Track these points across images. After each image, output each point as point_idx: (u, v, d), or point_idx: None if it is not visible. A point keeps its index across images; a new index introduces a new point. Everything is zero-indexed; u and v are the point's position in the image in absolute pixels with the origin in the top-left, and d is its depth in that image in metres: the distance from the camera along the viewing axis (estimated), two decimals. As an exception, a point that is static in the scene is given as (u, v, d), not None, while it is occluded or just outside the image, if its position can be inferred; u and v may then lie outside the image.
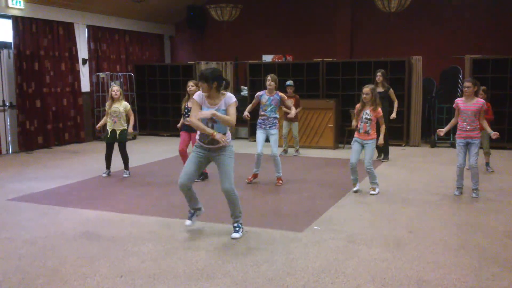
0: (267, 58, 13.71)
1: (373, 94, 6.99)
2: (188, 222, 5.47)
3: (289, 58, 13.72)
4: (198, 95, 5.17)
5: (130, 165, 8.69)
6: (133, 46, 14.85)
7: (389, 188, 7.40)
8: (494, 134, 6.80)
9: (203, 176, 7.97)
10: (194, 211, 5.51)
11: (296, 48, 14.53)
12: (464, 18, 13.13)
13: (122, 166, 8.58)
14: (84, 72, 13.09)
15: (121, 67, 14.26)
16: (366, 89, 7.02)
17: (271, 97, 7.67)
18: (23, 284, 4.13)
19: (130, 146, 8.61)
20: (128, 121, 8.49)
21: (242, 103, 13.30)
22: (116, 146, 8.47)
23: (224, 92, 5.18)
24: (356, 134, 7.15)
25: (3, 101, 11.12)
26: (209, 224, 5.69)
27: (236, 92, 14.09)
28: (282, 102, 7.90)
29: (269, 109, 7.66)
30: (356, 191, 7.17)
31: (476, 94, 6.87)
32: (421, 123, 11.87)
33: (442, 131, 7.05)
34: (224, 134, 5.11)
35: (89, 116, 13.34)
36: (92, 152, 11.28)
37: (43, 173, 8.84)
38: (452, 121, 7.10)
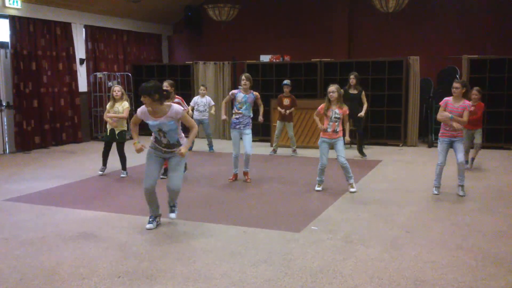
0: (265, 58, 13.70)
1: (339, 93, 7.11)
2: (149, 225, 5.58)
3: (287, 58, 13.71)
4: (140, 111, 5.38)
5: (128, 165, 8.69)
6: (130, 46, 14.83)
7: (387, 188, 7.40)
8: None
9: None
10: (155, 217, 5.68)
11: (294, 48, 14.52)
12: (461, 18, 13.15)
13: (119, 166, 8.57)
14: (82, 72, 13.06)
15: (118, 67, 14.24)
16: (332, 87, 7.12)
17: (247, 95, 7.77)
18: (20, 285, 4.12)
19: (127, 145, 8.60)
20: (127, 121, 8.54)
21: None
22: (114, 146, 8.50)
23: (168, 103, 5.37)
24: (322, 135, 7.20)
25: (0, 101, 11.09)
26: (206, 225, 5.69)
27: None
28: (256, 101, 7.97)
29: (244, 107, 7.76)
30: (318, 191, 7.26)
31: (465, 96, 6.90)
32: (418, 123, 11.87)
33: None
34: (178, 141, 5.38)
35: (87, 116, 13.32)
36: (90, 152, 11.27)
37: (40, 174, 8.83)
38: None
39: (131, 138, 5.83)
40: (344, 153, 7.15)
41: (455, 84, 6.84)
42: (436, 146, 11.53)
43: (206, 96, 11.27)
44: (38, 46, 11.66)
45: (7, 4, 10.65)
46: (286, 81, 10.62)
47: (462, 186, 6.96)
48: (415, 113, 11.74)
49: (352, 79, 9.85)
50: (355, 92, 9.86)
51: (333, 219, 5.91)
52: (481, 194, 7.02)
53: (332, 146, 7.20)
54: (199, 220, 5.84)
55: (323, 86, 12.48)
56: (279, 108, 10.41)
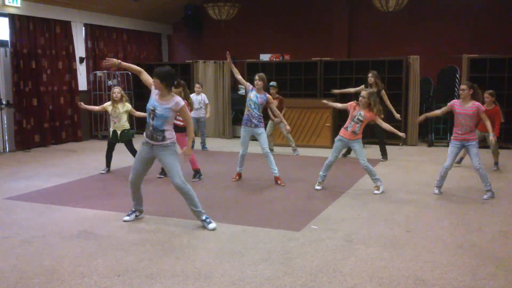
0: (265, 57, 13.72)
1: (370, 99, 6.91)
2: (126, 217, 5.79)
3: (287, 57, 13.72)
4: (154, 86, 5.43)
5: (127, 164, 8.69)
6: (130, 45, 14.82)
7: (387, 188, 7.40)
8: (492, 138, 6.91)
9: (199, 174, 8.01)
10: (134, 210, 5.84)
11: (293, 47, 14.54)
12: (461, 17, 13.15)
13: (121, 165, 8.58)
14: (81, 70, 13.06)
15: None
16: (364, 93, 6.97)
17: (258, 95, 7.64)
18: (20, 283, 4.12)
19: (121, 146, 8.63)
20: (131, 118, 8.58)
21: (239, 102, 13.37)
22: (119, 146, 8.53)
23: (173, 94, 5.45)
24: (342, 132, 7.12)
25: (0, 99, 11.09)
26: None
27: (234, 91, 14.09)
28: (267, 103, 7.79)
29: (253, 106, 7.62)
30: (318, 190, 7.26)
31: (474, 97, 6.76)
32: (418, 122, 11.85)
33: (421, 118, 7.27)
34: (163, 132, 5.39)
35: (86, 114, 13.30)
36: (89, 151, 11.26)
37: (40, 172, 8.82)
38: (437, 112, 7.25)
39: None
40: (364, 155, 7.04)
41: (462, 86, 6.75)
42: (436, 146, 11.63)
43: (201, 93, 11.24)
44: (38, 45, 11.65)
45: (6, 3, 10.63)
46: (272, 83, 10.60)
47: (488, 191, 6.79)
48: (415, 113, 11.73)
49: (370, 78, 9.59)
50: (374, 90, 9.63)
51: (333, 218, 5.91)
52: (481, 193, 7.01)
53: (349, 149, 7.15)
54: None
55: (323, 85, 12.50)
56: (269, 113, 10.34)
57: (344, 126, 7.11)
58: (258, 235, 5.30)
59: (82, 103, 8.85)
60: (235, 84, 14.39)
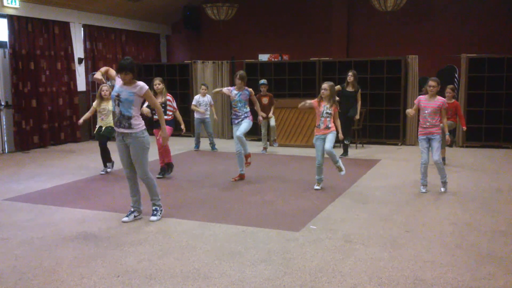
0: (264, 57, 13.71)
1: (331, 91, 7.19)
2: (124, 218, 5.80)
3: (286, 57, 13.72)
4: (118, 84, 5.68)
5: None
6: (129, 46, 14.82)
7: (386, 188, 7.40)
8: (448, 139, 7.31)
9: (170, 169, 8.31)
10: (134, 210, 5.87)
11: (292, 47, 14.54)
12: (460, 17, 13.16)
13: (118, 165, 8.55)
14: (80, 71, 13.06)
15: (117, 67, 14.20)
16: (325, 85, 7.22)
17: (240, 92, 7.80)
18: (19, 285, 4.12)
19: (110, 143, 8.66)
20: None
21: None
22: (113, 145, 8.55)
23: (136, 81, 5.66)
24: (316, 132, 7.31)
25: (-1, 100, 11.11)
26: (206, 224, 5.68)
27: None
28: (251, 98, 7.97)
29: (239, 105, 7.80)
30: (317, 189, 7.30)
31: (439, 93, 7.10)
32: (417, 122, 11.84)
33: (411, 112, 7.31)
34: (129, 118, 5.48)
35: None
36: (88, 152, 11.26)
37: (39, 173, 8.82)
38: (409, 110, 7.42)
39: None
40: (332, 143, 7.17)
41: (431, 83, 7.02)
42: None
43: (207, 95, 11.26)
44: (37, 46, 11.64)
45: (5, 4, 10.64)
46: (263, 81, 10.92)
47: (443, 183, 7.13)
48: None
49: (350, 76, 9.80)
50: (352, 90, 9.84)
51: (332, 218, 5.92)
52: (480, 193, 7.03)
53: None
54: (198, 220, 5.84)
55: (321, 85, 12.48)
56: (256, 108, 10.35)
57: (316, 125, 7.31)
58: (257, 235, 5.30)
59: (80, 121, 9.06)
60: (233, 84, 14.38)
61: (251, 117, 7.92)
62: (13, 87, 11.17)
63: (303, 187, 7.54)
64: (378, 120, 12.13)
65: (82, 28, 13.05)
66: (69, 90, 12.67)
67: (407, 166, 9.24)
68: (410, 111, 7.24)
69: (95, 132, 8.73)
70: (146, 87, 5.59)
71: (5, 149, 11.29)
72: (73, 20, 12.59)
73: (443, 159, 8.90)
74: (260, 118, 8.41)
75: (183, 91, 14.05)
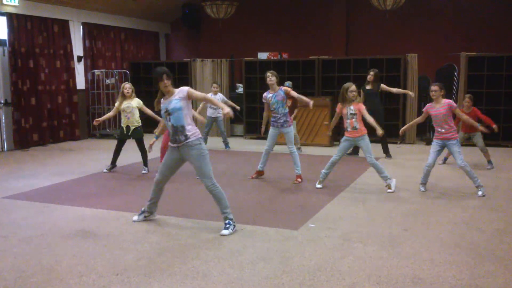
0: (263, 56, 13.71)
1: (356, 92, 7.17)
2: (135, 217, 5.73)
3: (285, 55, 13.72)
4: (162, 102, 5.44)
5: (126, 162, 8.70)
6: (128, 44, 14.81)
7: (384, 186, 7.40)
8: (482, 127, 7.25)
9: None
10: (144, 211, 5.73)
11: (291, 46, 14.53)
12: (459, 15, 13.16)
13: (119, 163, 8.57)
14: (79, 69, 13.05)
15: (116, 65, 14.22)
16: (353, 86, 7.14)
17: (275, 94, 7.61)
18: (18, 283, 4.12)
19: (125, 143, 8.61)
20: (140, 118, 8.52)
21: (238, 99, 13.37)
22: (127, 143, 8.49)
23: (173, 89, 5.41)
24: (346, 134, 7.19)
25: (-2, 98, 11.11)
26: (205, 222, 5.69)
27: (232, 89, 14.09)
28: (287, 95, 7.71)
29: (277, 106, 7.61)
30: (318, 188, 7.28)
31: (443, 96, 6.92)
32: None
33: (402, 130, 7.43)
34: (183, 127, 5.22)
35: (84, 113, 13.31)
36: (87, 150, 11.26)
37: (39, 171, 8.82)
38: (416, 120, 7.44)
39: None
40: (371, 152, 7.06)
41: (433, 87, 6.85)
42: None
43: (219, 93, 11.20)
44: (36, 44, 11.64)
45: (4, 2, 10.63)
46: (288, 83, 10.50)
47: (478, 187, 6.80)
48: (413, 111, 11.74)
49: (371, 76, 9.66)
50: (371, 87, 9.71)
51: (331, 216, 5.92)
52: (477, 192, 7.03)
53: (355, 148, 7.20)
54: (197, 218, 5.84)
55: (321, 84, 12.50)
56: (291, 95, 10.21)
57: (344, 127, 7.18)
58: (256, 233, 5.30)
59: (96, 120, 8.45)
60: (233, 82, 14.41)
61: (291, 119, 7.78)
62: (13, 85, 11.16)
63: (301, 185, 7.55)
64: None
65: (81, 26, 13.04)
66: (68, 88, 12.66)
67: (406, 164, 9.25)
68: (418, 120, 7.31)
69: (123, 132, 8.44)
70: (186, 87, 5.33)
71: (4, 147, 11.29)
72: (72, 18, 12.58)
73: (490, 162, 8.67)
74: (310, 104, 7.86)
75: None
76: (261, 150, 7.91)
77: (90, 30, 13.33)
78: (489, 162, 8.70)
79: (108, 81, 13.53)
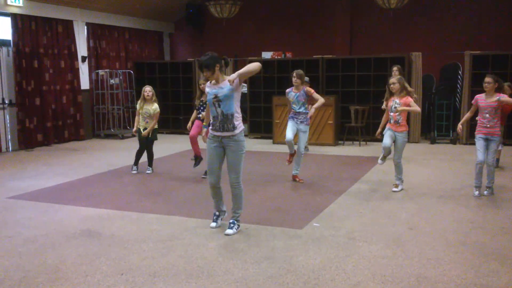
0: (267, 55, 13.69)
1: (400, 84, 6.89)
2: (213, 224, 5.51)
3: (289, 55, 13.69)
4: (208, 87, 5.26)
5: (130, 162, 8.71)
6: (132, 44, 14.83)
7: (389, 185, 7.39)
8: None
9: (199, 159, 8.04)
10: (219, 213, 5.58)
11: (295, 45, 14.52)
12: (463, 13, 13.12)
13: (122, 163, 8.58)
14: (84, 69, 13.07)
15: (120, 65, 14.24)
16: (393, 79, 6.97)
17: (298, 94, 7.60)
18: (24, 282, 4.13)
19: (129, 144, 8.63)
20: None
21: (242, 99, 13.37)
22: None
23: (224, 76, 5.22)
24: (388, 125, 7.08)
25: (3, 99, 11.11)
26: (209, 221, 5.67)
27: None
28: (309, 97, 7.67)
29: (296, 107, 7.61)
30: (382, 162, 7.29)
31: (499, 90, 6.65)
32: (421, 120, 11.85)
33: (460, 128, 6.95)
34: (232, 116, 5.11)
35: (89, 113, 13.33)
36: (92, 150, 11.28)
37: (43, 171, 8.84)
38: (467, 115, 7.07)
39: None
40: (401, 152, 7.01)
41: (487, 79, 6.59)
42: (439, 143, 11.61)
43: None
44: (40, 44, 11.66)
45: (9, 2, 10.64)
46: (305, 78, 10.42)
47: (488, 187, 6.73)
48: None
49: (395, 71, 9.55)
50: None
51: (336, 215, 5.91)
52: (483, 190, 6.99)
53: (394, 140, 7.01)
54: (201, 217, 5.84)
55: (325, 83, 12.49)
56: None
57: (388, 120, 7.07)
58: (260, 233, 5.30)
59: (134, 130, 8.52)
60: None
61: (309, 120, 7.73)
62: (17, 85, 11.19)
63: (306, 184, 7.54)
64: (382, 117, 12.08)
65: (85, 26, 13.06)
66: (72, 88, 12.68)
67: (410, 163, 9.22)
68: (468, 115, 7.02)
69: (136, 132, 8.45)
70: (235, 74, 5.06)
71: (9, 147, 11.32)
72: (76, 19, 12.60)
73: (497, 160, 8.53)
74: (311, 113, 7.81)
75: (186, 89, 14.05)
76: (266, 149, 7.92)
77: (94, 30, 13.35)
78: (497, 160, 8.65)
79: (112, 81, 13.55)
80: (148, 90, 8.37)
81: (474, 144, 8.64)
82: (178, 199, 6.69)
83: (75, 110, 12.78)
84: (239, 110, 5.22)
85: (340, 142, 11.77)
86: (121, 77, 13.70)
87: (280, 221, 5.71)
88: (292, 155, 7.83)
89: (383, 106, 7.42)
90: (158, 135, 8.73)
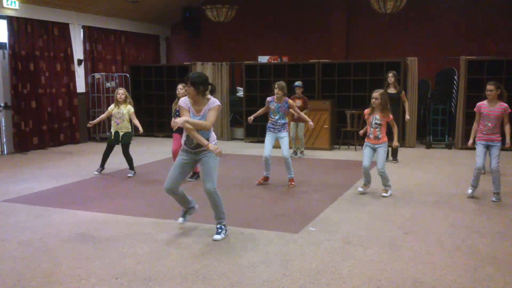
0: (263, 59, 13.74)
1: (383, 99, 6.83)
2: (180, 219, 5.60)
3: (285, 59, 13.75)
4: (183, 101, 5.18)
5: (125, 166, 8.70)
6: (128, 47, 14.82)
7: (381, 190, 7.39)
8: (508, 142, 6.67)
9: (196, 175, 7.97)
10: (186, 210, 5.62)
11: (291, 49, 14.55)
12: (459, 19, 13.17)
13: (117, 167, 8.57)
14: (80, 72, 13.05)
15: (116, 68, 14.24)
16: (376, 93, 6.88)
17: (279, 104, 7.61)
18: (18, 286, 4.11)
19: (132, 147, 8.63)
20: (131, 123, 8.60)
21: (237, 104, 13.39)
22: (118, 148, 8.52)
23: (208, 96, 5.18)
24: (366, 139, 7.07)
25: (-2, 102, 11.10)
26: (204, 225, 5.67)
27: (232, 93, 14.09)
28: (291, 109, 7.75)
29: (277, 117, 7.62)
30: (362, 193, 7.16)
31: (501, 97, 6.61)
32: (416, 124, 11.87)
33: (471, 143, 6.88)
34: (207, 139, 5.12)
35: (85, 117, 13.29)
36: (87, 153, 11.25)
37: (38, 174, 8.81)
38: (475, 126, 6.82)
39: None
40: (384, 162, 6.96)
41: (489, 87, 6.55)
42: (434, 148, 11.63)
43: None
44: (36, 47, 11.64)
45: (4, 5, 10.63)
46: (298, 83, 10.51)
47: (496, 194, 6.69)
48: (413, 114, 11.74)
49: (390, 78, 9.57)
50: (394, 92, 9.59)
51: (331, 220, 5.91)
52: (479, 195, 7.01)
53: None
54: (197, 221, 5.83)
55: (320, 87, 12.51)
56: (291, 110, 10.25)
57: (367, 134, 7.06)
58: (256, 237, 5.30)
59: (90, 123, 8.88)
60: (233, 86, 14.41)
61: (287, 128, 7.77)
62: (13, 88, 11.16)
63: (302, 189, 7.54)
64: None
65: (81, 30, 13.05)
66: (68, 91, 12.66)
67: (406, 168, 9.24)
68: (475, 126, 6.79)
69: (112, 137, 8.55)
70: (217, 102, 5.12)
71: (4, 150, 11.28)
72: (72, 22, 12.59)
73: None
74: (310, 123, 7.98)
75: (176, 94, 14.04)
76: (261, 153, 7.90)
77: (91, 33, 13.33)
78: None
79: (108, 84, 13.53)
80: (121, 92, 8.53)
81: (469, 149, 8.71)
82: (173, 203, 6.66)
83: (71, 113, 12.75)
84: (212, 131, 5.23)
85: (336, 146, 11.78)
86: (117, 81, 13.69)
87: (276, 225, 5.71)
88: (265, 178, 7.84)
89: (361, 132, 7.35)
90: (154, 139, 8.74)
